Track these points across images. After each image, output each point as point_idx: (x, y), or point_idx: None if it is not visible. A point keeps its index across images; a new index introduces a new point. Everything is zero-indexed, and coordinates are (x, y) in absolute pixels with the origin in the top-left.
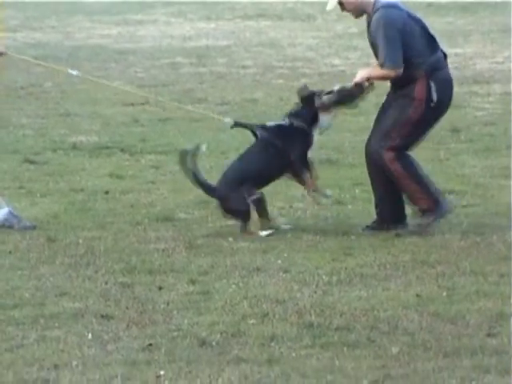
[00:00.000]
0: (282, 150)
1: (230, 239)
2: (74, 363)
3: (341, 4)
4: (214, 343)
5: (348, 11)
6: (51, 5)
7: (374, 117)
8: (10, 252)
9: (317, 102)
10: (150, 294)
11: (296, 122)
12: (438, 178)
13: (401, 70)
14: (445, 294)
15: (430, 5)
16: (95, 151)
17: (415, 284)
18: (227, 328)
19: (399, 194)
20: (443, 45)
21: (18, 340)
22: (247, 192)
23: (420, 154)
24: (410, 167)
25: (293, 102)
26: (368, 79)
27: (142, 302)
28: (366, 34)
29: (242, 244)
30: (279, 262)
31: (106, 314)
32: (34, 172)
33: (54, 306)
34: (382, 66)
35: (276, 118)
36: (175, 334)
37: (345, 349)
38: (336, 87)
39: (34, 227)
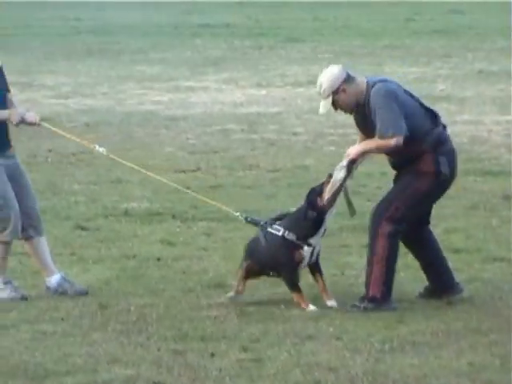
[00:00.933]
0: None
1: (282, 306)
2: None
3: (333, 104)
4: None
5: (341, 109)
6: (102, 71)
7: None
8: (62, 319)
9: (320, 203)
10: (203, 360)
11: (287, 234)
12: (489, 245)
13: (401, 139)
14: (498, 362)
15: (480, 71)
16: (147, 218)
17: (468, 352)
18: None
19: (441, 261)
20: (442, 115)
21: None
22: None
23: (471, 220)
24: (393, 253)
25: None
26: (363, 154)
27: (195, 369)
28: None
29: (294, 311)
30: (331, 329)
31: (159, 381)
32: (86, 238)
33: (106, 373)
34: (381, 135)
35: None
36: None
37: None
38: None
39: (86, 292)
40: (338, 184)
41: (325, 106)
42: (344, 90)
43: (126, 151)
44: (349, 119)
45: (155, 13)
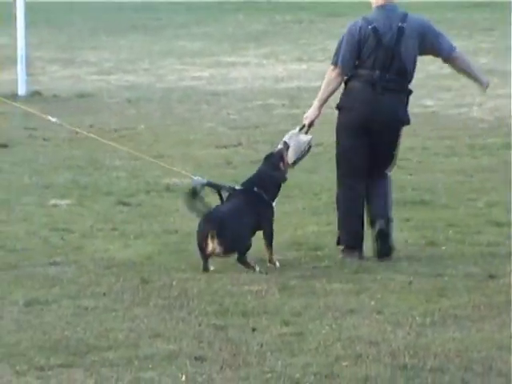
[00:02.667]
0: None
1: (323, 280)
2: None
3: None
4: None
5: None
6: (144, 47)
7: (467, 159)
8: (104, 294)
9: (282, 167)
10: (244, 335)
11: (261, 192)
12: None
13: (335, 69)
14: None
15: None
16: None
17: (510, 325)
18: (321, 369)
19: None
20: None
21: (113, 381)
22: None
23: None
24: (341, 202)
25: None
26: (320, 108)
27: (236, 343)
28: (457, 75)
29: (335, 285)
30: (372, 303)
31: (200, 355)
32: (128, 214)
33: (147, 348)
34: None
35: None
36: (269, 375)
37: None
38: (287, 137)
39: None
40: (304, 146)
41: None
42: None
43: (167, 127)
44: None
45: None
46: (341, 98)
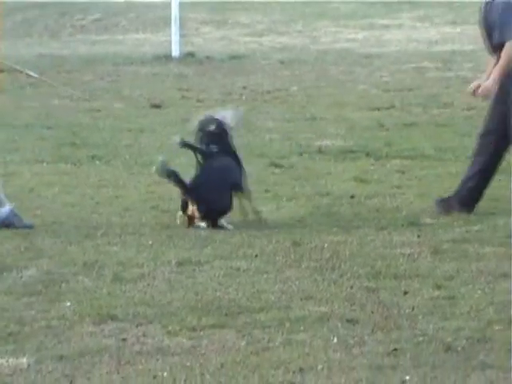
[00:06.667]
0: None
1: (476, 245)
2: (320, 367)
3: None
4: (459, 349)
5: None
6: (296, 9)
7: None
8: (256, 255)
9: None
10: (395, 298)
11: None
12: None
13: None
14: None
15: None
16: (340, 155)
17: None
18: (473, 333)
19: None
20: None
21: (264, 343)
22: None
23: None
24: None
25: None
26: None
27: (387, 306)
28: None
29: (488, 249)
30: None
31: (352, 318)
32: (280, 176)
33: (299, 310)
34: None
35: None
36: (420, 339)
37: None
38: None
39: (32, 226)
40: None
41: None
42: None
43: (320, 89)
44: None
45: None
46: None
